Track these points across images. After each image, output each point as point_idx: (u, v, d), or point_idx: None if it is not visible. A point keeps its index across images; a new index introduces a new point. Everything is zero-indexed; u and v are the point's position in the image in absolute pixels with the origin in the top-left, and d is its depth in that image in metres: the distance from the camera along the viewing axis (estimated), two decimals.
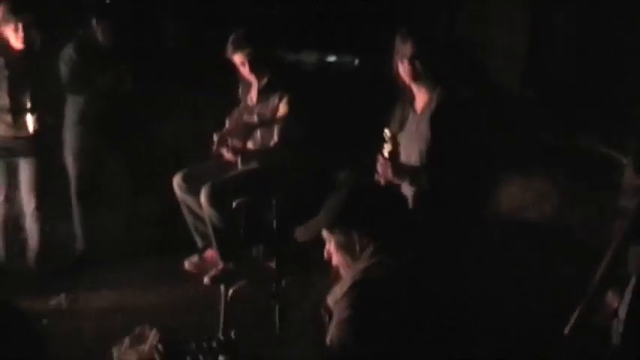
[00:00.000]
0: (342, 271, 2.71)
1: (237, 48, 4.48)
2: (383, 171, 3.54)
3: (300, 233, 2.83)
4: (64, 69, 4.77)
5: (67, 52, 4.76)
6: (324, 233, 2.69)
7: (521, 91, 7.49)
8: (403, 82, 3.65)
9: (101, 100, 4.91)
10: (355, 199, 2.67)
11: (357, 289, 2.51)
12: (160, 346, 2.87)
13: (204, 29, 6.40)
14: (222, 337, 2.73)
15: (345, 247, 2.64)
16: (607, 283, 2.56)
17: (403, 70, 3.60)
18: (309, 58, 7.50)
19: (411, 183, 3.50)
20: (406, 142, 3.59)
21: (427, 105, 3.61)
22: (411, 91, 3.67)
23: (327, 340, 2.53)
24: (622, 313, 2.74)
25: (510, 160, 5.77)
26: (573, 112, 7.04)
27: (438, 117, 3.50)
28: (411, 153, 3.58)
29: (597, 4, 7.26)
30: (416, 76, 3.58)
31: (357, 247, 2.61)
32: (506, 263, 4.80)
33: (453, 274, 2.84)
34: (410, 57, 3.53)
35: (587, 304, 2.61)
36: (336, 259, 2.69)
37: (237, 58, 4.51)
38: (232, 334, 2.74)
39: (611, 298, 2.61)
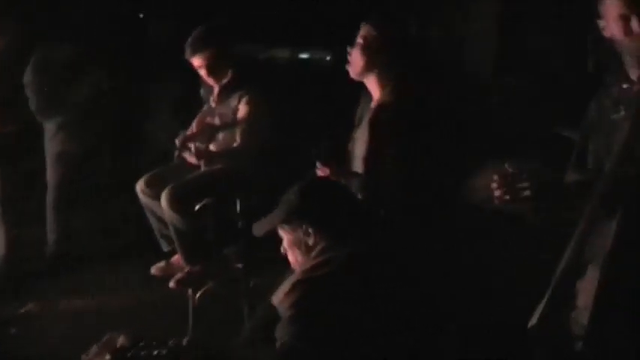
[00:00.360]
0: (296, 269, 2.73)
1: (194, 51, 4.44)
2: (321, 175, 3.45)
3: (256, 229, 2.85)
4: (30, 95, 4.75)
5: (27, 77, 4.73)
6: (279, 230, 2.72)
7: (495, 80, 7.47)
8: (351, 74, 3.47)
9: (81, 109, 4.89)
10: (306, 195, 2.68)
11: (299, 288, 2.52)
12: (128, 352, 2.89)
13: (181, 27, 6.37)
14: (189, 340, 2.76)
15: (296, 244, 2.67)
16: (571, 272, 2.53)
17: (358, 64, 3.41)
18: (280, 54, 7.48)
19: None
20: (357, 144, 3.48)
21: (376, 103, 3.44)
22: (366, 87, 3.51)
23: (275, 338, 2.54)
24: (581, 301, 2.71)
25: (486, 149, 5.75)
26: (550, 101, 7.03)
27: (374, 120, 3.35)
28: (357, 156, 3.46)
29: None
30: (365, 69, 3.40)
31: (308, 244, 2.63)
32: (477, 253, 4.78)
33: (409, 268, 2.80)
34: (359, 46, 3.38)
35: (552, 295, 2.57)
36: (290, 256, 2.73)
37: (195, 61, 4.47)
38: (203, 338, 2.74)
39: (559, 281, 2.58)
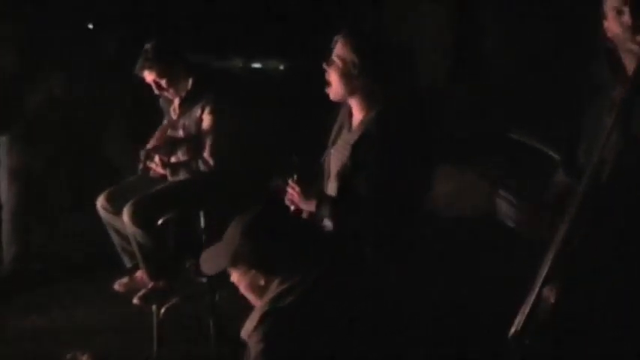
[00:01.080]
0: (251, 300, 2.68)
1: (142, 67, 4.37)
2: (290, 195, 3.30)
3: (205, 267, 2.79)
4: None
5: None
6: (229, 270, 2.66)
7: (450, 86, 7.53)
8: (339, 96, 3.25)
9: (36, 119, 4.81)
10: (249, 238, 2.58)
11: (267, 320, 2.47)
12: None
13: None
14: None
15: (247, 283, 2.61)
16: (549, 281, 2.53)
17: (339, 81, 3.17)
18: (233, 64, 7.45)
19: (316, 212, 3.23)
20: (334, 160, 3.34)
21: (359, 126, 3.24)
22: (348, 104, 3.32)
23: None
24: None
25: (442, 154, 5.78)
26: (504, 107, 7.10)
27: (357, 146, 3.16)
28: (334, 171, 3.32)
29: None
30: (348, 94, 3.20)
31: (261, 285, 2.58)
32: (442, 260, 4.79)
33: (370, 288, 2.77)
34: (330, 65, 3.17)
35: (533, 303, 2.57)
36: (242, 291, 2.67)
37: (148, 77, 4.40)
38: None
39: (547, 292, 2.58)
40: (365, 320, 2.59)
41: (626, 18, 2.45)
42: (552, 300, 2.51)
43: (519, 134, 6.61)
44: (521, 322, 2.52)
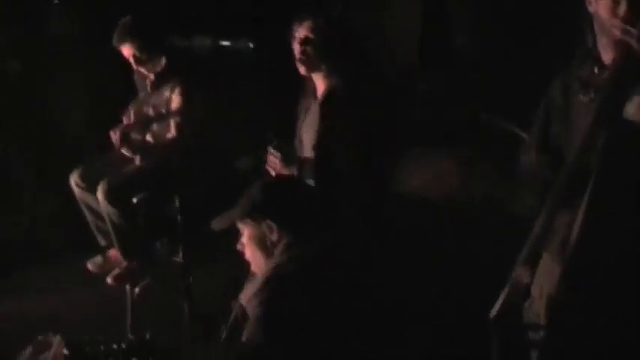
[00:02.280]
0: (253, 267, 2.70)
1: (122, 40, 4.32)
2: (272, 161, 3.52)
3: (215, 223, 2.80)
4: None
5: None
6: (239, 224, 2.67)
7: (418, 72, 7.55)
8: (300, 70, 3.53)
9: None
10: (269, 191, 2.67)
11: (269, 286, 2.48)
12: (65, 352, 2.74)
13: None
14: (132, 338, 2.65)
15: (257, 241, 2.62)
16: (530, 262, 2.54)
17: (297, 54, 3.50)
18: (201, 42, 7.37)
19: (299, 175, 3.45)
20: (306, 133, 3.55)
21: (322, 95, 3.51)
22: (311, 78, 3.58)
23: (243, 338, 2.49)
24: (535, 290, 2.73)
25: (413, 139, 5.80)
26: (475, 92, 7.13)
27: (324, 105, 3.43)
28: (308, 143, 3.52)
29: None
30: (310, 62, 3.47)
31: (269, 242, 2.59)
32: (416, 244, 4.81)
33: (365, 264, 2.80)
34: (302, 41, 3.45)
35: (516, 282, 2.58)
36: (249, 252, 2.68)
37: (125, 51, 4.35)
38: (146, 335, 2.63)
39: (522, 274, 2.58)
40: (362, 296, 2.61)
41: (623, 9, 2.43)
42: (527, 280, 2.52)
43: (489, 117, 6.66)
44: (500, 304, 2.54)
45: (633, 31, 2.31)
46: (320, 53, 3.44)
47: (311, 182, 3.41)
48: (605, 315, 2.47)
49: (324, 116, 3.41)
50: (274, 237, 2.58)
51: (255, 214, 2.62)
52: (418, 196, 5.68)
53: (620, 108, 2.41)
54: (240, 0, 7.36)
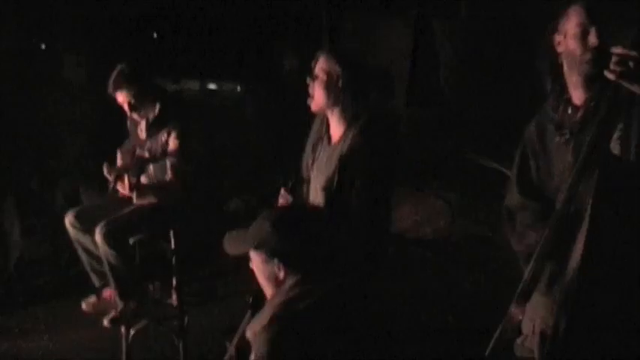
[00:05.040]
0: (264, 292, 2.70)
1: (118, 87, 4.36)
2: (283, 203, 3.46)
3: (227, 245, 2.82)
4: None
5: None
6: (250, 252, 2.69)
7: (406, 110, 7.63)
8: (312, 108, 3.44)
9: None
10: (281, 232, 2.64)
11: (278, 323, 2.49)
12: None
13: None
14: None
15: (266, 273, 2.64)
16: (525, 300, 2.57)
17: (322, 97, 3.36)
18: (189, 86, 7.46)
19: None
20: (317, 172, 3.46)
21: (341, 139, 3.37)
22: (326, 118, 3.47)
23: None
24: (526, 327, 2.76)
25: (402, 179, 5.86)
26: (462, 130, 7.23)
27: (346, 161, 3.27)
28: (317, 184, 3.43)
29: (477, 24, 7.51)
30: (330, 104, 3.36)
31: (279, 278, 2.61)
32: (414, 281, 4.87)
33: (371, 301, 2.82)
34: (318, 80, 3.34)
35: (510, 319, 2.61)
36: (258, 279, 2.69)
37: (120, 98, 4.39)
38: None
39: (514, 310, 2.62)
40: (371, 335, 2.63)
41: (593, 38, 2.51)
42: (520, 318, 2.56)
43: (476, 156, 6.76)
44: (495, 341, 2.58)
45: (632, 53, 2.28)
46: (337, 93, 3.33)
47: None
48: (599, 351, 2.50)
49: (342, 173, 3.27)
50: (281, 275, 2.60)
51: (263, 250, 2.64)
52: (410, 236, 5.76)
53: (607, 147, 2.44)
54: (228, 45, 7.48)
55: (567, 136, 2.62)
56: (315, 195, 3.43)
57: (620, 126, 2.44)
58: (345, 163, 3.26)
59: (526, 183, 2.82)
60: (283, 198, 3.46)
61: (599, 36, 2.51)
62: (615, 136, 2.44)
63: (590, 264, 2.44)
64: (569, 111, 2.64)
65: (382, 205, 3.35)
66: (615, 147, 2.45)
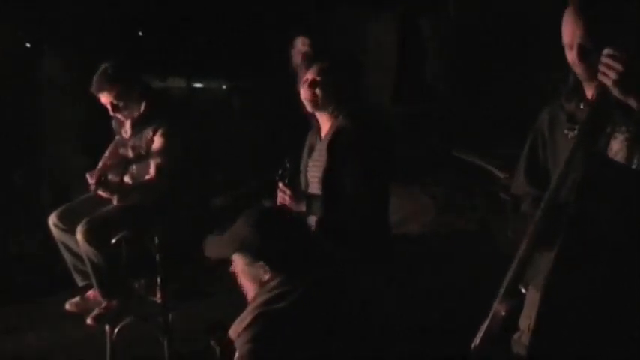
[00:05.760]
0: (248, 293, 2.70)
1: (101, 88, 4.35)
2: (282, 197, 3.55)
3: (208, 249, 2.80)
4: None
5: None
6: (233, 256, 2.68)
7: (393, 104, 7.64)
8: (308, 109, 3.60)
9: None
10: (263, 234, 2.63)
11: (259, 322, 2.49)
12: None
13: None
14: None
15: (249, 275, 2.64)
16: (513, 293, 2.58)
17: (305, 96, 3.56)
18: (175, 84, 7.46)
19: (307, 211, 3.50)
20: (312, 170, 3.60)
21: (329, 130, 3.56)
22: (315, 118, 3.65)
23: None
24: (523, 323, 2.76)
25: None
26: (449, 126, 7.24)
27: (332, 144, 3.47)
28: (314, 181, 3.57)
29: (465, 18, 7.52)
30: (317, 103, 3.53)
31: (263, 279, 2.61)
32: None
33: (356, 298, 2.82)
34: (310, 83, 3.51)
35: (494, 315, 2.62)
36: (241, 281, 2.69)
37: (104, 98, 4.38)
38: None
39: (498, 306, 2.63)
40: (354, 331, 2.62)
41: (570, 55, 2.48)
42: (503, 313, 2.56)
43: (462, 152, 6.77)
44: (481, 335, 2.58)
45: (614, 65, 2.28)
46: (326, 95, 3.50)
47: (319, 217, 3.48)
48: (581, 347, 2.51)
49: (331, 155, 3.46)
50: (266, 277, 2.59)
51: (245, 253, 2.63)
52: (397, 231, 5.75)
53: (596, 144, 2.43)
54: (215, 42, 7.47)
55: (576, 131, 2.60)
56: (315, 192, 3.57)
57: (629, 128, 2.41)
58: (333, 144, 3.45)
59: (533, 172, 2.82)
60: (282, 191, 3.54)
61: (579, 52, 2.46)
62: (621, 137, 2.42)
63: (567, 263, 2.44)
64: (582, 106, 2.61)
65: (377, 187, 3.49)
66: (622, 149, 2.43)
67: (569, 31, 2.48)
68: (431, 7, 8.09)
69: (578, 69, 2.51)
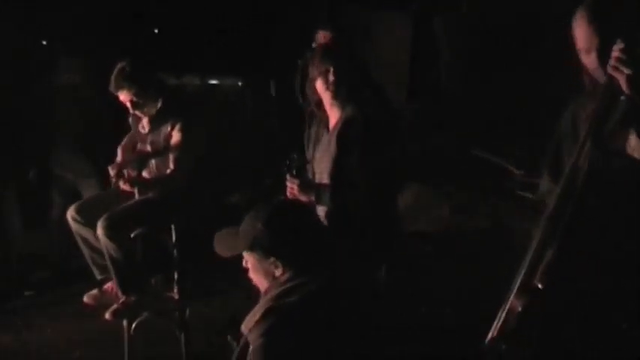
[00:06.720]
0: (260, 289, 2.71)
1: (120, 86, 4.38)
2: (290, 188, 3.58)
3: (218, 247, 2.80)
4: None
5: None
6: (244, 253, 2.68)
7: (406, 102, 7.65)
8: (318, 100, 3.68)
9: None
10: (273, 229, 2.62)
11: (270, 316, 2.49)
12: None
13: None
14: None
15: (262, 270, 2.64)
16: (525, 287, 2.59)
17: (319, 88, 3.63)
18: (191, 81, 7.48)
19: (316, 201, 3.54)
20: (319, 161, 3.66)
21: (338, 121, 3.63)
22: (323, 110, 3.71)
23: None
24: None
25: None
26: (462, 122, 7.23)
27: (342, 134, 3.53)
28: (323, 171, 3.62)
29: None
30: (326, 95, 3.62)
31: (275, 275, 2.61)
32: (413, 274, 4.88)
33: (366, 293, 2.85)
34: (320, 74, 3.58)
35: (509, 310, 2.63)
36: (253, 277, 2.69)
37: (122, 97, 4.41)
38: None
39: (514, 301, 2.65)
40: (364, 326, 2.63)
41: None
42: (519, 309, 2.57)
43: (480, 150, 6.77)
44: (496, 328, 2.60)
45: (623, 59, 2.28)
46: (336, 86, 3.58)
47: (327, 207, 3.53)
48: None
49: (341, 145, 3.52)
50: (278, 272, 2.60)
51: (258, 249, 2.62)
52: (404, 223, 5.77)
53: (603, 138, 2.43)
54: (229, 39, 7.49)
55: None
56: (322, 180, 3.63)
57: None
58: (342, 134, 3.52)
59: (557, 170, 2.82)
60: (291, 182, 3.58)
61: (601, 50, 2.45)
62: (635, 135, 2.41)
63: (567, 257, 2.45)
64: None
65: (385, 176, 3.56)
66: (638, 145, 2.41)
67: (585, 36, 2.48)
68: (444, 5, 8.11)
69: (598, 73, 2.51)
